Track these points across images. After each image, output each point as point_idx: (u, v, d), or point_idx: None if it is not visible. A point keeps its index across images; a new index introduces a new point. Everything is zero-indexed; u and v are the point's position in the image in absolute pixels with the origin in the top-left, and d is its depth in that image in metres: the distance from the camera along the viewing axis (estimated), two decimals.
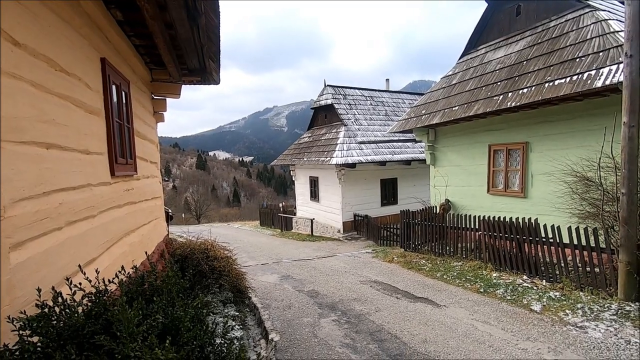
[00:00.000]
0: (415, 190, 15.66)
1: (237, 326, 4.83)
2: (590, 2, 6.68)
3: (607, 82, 5.21)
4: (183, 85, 6.27)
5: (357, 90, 17.26)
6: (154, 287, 1.77)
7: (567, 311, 4.48)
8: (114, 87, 3.49)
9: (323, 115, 16.95)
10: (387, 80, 20.33)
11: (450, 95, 8.74)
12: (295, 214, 18.90)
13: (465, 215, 7.52)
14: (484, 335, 4.19)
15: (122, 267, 2.18)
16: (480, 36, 9.16)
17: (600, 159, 4.98)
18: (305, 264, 9.48)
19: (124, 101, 3.83)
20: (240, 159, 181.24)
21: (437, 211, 9.41)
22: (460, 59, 9.56)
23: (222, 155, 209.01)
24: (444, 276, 6.84)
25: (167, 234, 6.95)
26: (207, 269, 5.47)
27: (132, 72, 4.42)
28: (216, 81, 6.49)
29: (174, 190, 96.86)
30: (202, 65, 5.28)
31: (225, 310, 5.22)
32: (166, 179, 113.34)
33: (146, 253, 2.80)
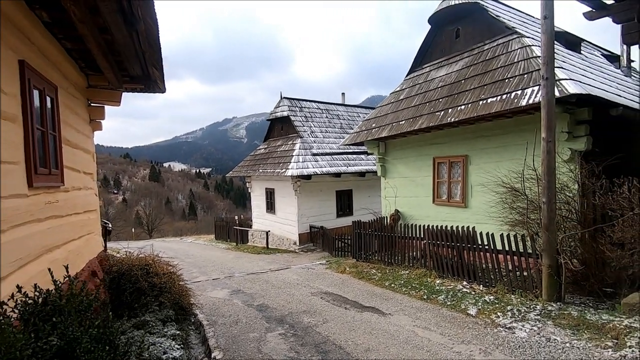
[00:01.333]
0: (370, 201, 16.04)
1: (176, 346, 4.58)
2: (517, 30, 7.37)
3: (530, 102, 5.74)
4: (128, 93, 5.99)
5: (313, 103, 17.52)
6: (56, 306, 1.63)
7: (499, 313, 4.78)
8: (36, 92, 3.25)
9: (279, 127, 16.97)
10: (343, 94, 20.88)
11: (398, 110, 9.15)
12: (251, 227, 18.55)
13: (412, 225, 7.82)
14: (423, 341, 4.33)
15: (35, 286, 2.00)
16: (425, 55, 9.73)
17: (523, 171, 5.44)
18: (257, 277, 9.29)
19: (49, 107, 3.58)
20: (197, 170, 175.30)
21: (388, 221, 9.69)
22: (407, 75, 10.08)
23: (177, 166, 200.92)
24: (392, 285, 7.02)
25: (104, 250, 6.50)
26: (146, 286, 5.17)
27: (62, 77, 4.15)
28: (162, 90, 6.26)
29: (123, 203, 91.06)
30: (146, 72, 5.08)
31: (165, 330, 4.94)
32: (115, 192, 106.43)
33: (67, 269, 2.53)
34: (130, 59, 4.33)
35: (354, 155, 15.68)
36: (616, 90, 6.75)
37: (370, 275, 8.00)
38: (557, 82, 5.56)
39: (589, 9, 4.81)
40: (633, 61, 9.65)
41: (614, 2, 4.53)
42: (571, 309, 4.60)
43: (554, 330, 4.18)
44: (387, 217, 9.90)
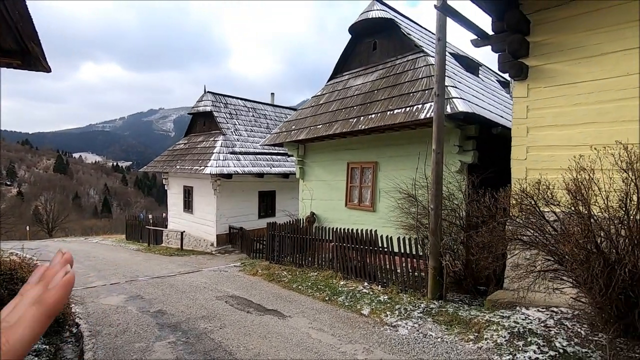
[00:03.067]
0: (293, 202, 16.05)
1: None
2: (424, 49, 7.98)
3: (427, 115, 6.24)
4: (4, 68, 5.20)
5: (239, 100, 17.04)
6: None
7: (388, 313, 5.07)
8: None
9: (202, 122, 16.17)
10: (272, 94, 20.70)
11: (317, 114, 9.30)
12: (166, 227, 17.34)
13: (322, 228, 7.98)
14: (314, 343, 4.40)
15: None
16: (345, 63, 10.06)
17: (415, 179, 5.89)
18: (163, 281, 8.68)
19: None
20: (115, 163, 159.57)
21: (304, 224, 9.77)
22: (328, 81, 10.31)
23: (91, 157, 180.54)
24: (299, 287, 7.07)
25: None
26: (5, 294, 4.44)
27: None
28: (46, 69, 5.57)
29: (19, 197, 78.79)
30: (24, 47, 4.45)
31: None
32: (8, 183, 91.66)
33: None
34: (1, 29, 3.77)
35: (279, 156, 15.60)
36: (500, 112, 7.68)
37: (280, 277, 7.97)
38: (450, 100, 6.13)
39: (475, 37, 5.39)
40: None
41: (493, 33, 5.12)
42: (449, 306, 5.06)
43: (431, 326, 4.56)
44: (303, 220, 9.98)
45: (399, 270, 6.18)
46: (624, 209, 2.96)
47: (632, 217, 2.89)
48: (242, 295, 6.94)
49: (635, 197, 2.99)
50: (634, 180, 3.01)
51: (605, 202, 3.11)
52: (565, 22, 4.48)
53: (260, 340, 4.62)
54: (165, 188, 17.43)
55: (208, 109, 15.31)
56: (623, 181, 3.05)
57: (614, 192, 3.13)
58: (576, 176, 3.15)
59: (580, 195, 3.02)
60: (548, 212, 3.52)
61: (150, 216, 18.60)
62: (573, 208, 3.07)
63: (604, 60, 4.20)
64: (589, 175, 3.20)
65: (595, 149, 3.60)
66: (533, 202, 3.32)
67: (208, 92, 16.07)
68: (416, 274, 5.86)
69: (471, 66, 9.73)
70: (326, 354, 4.07)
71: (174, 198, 16.75)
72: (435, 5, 4.48)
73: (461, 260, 5.75)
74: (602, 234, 2.95)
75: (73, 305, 6.64)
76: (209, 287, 7.75)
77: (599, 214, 3.17)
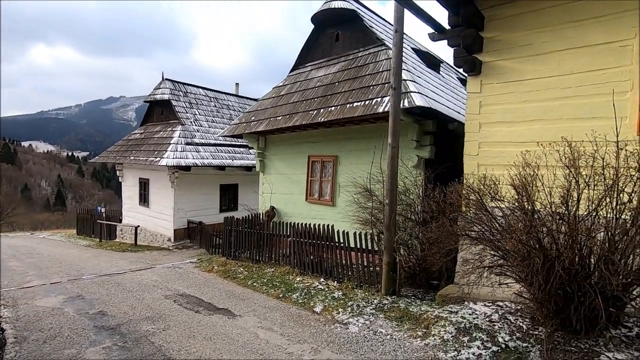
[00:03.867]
0: (256, 196, 15.62)
1: None
2: (385, 42, 7.90)
3: (386, 109, 6.15)
4: None
5: (200, 89, 16.33)
6: None
7: (340, 309, 4.96)
8: None
9: (159, 111, 15.35)
10: (237, 84, 20.05)
11: (277, 105, 9.02)
12: (121, 221, 16.39)
13: (280, 223, 7.77)
14: (261, 344, 4.20)
15: None
16: (308, 53, 9.81)
17: (370, 173, 5.81)
18: (110, 279, 8.11)
19: None
20: (70, 153, 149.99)
21: (263, 218, 9.50)
22: (291, 72, 10.03)
23: (43, 147, 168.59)
24: (254, 284, 6.83)
25: None
26: None
27: None
28: None
29: None
30: None
31: None
32: None
33: None
34: None
35: (242, 149, 15.13)
36: (458, 108, 7.77)
37: (236, 274, 7.68)
38: (408, 94, 6.08)
39: (433, 30, 5.33)
40: None
41: (449, 27, 5.08)
42: (402, 301, 5.04)
43: (382, 323, 4.49)
44: (262, 214, 9.70)
45: (355, 266, 6.10)
46: (565, 205, 2.98)
47: (571, 213, 2.92)
48: (194, 293, 6.60)
49: (575, 194, 3.02)
50: (575, 177, 3.04)
51: (548, 199, 3.13)
52: (515, 19, 4.51)
53: (204, 342, 4.36)
54: (120, 180, 16.45)
55: (166, 97, 14.52)
56: (565, 178, 3.07)
57: (556, 188, 3.15)
58: (520, 172, 3.14)
59: (523, 191, 3.01)
60: (496, 207, 3.52)
61: (103, 210, 17.49)
62: (517, 204, 3.07)
63: (549, 58, 4.27)
64: (533, 171, 3.20)
65: (541, 145, 3.63)
66: (478, 198, 3.30)
67: (166, 79, 15.25)
68: (372, 269, 5.80)
69: (432, 62, 9.81)
70: (272, 355, 3.89)
71: (129, 191, 15.85)
72: None
73: (415, 255, 5.76)
74: (543, 230, 2.96)
75: (2, 308, 6.05)
76: (159, 285, 7.33)
77: (542, 210, 3.19)
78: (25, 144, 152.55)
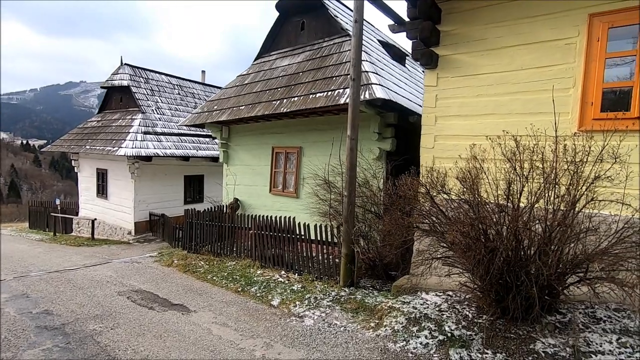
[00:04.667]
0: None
1: None
2: (350, 32, 7.81)
3: (347, 101, 6.10)
4: None
5: (163, 76, 15.62)
6: None
7: (297, 302, 4.93)
8: None
9: (118, 98, 14.55)
10: (204, 72, 19.37)
11: (240, 95, 8.76)
12: (77, 214, 15.54)
13: (242, 215, 7.61)
14: (213, 340, 4.10)
15: None
16: (273, 42, 9.57)
17: (331, 165, 5.78)
18: (60, 276, 7.66)
19: None
20: (25, 141, 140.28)
21: (227, 210, 9.29)
22: (255, 60, 9.76)
23: None
24: (214, 278, 6.67)
25: None
26: None
27: None
28: None
29: None
30: None
31: None
32: None
33: None
34: None
35: (207, 139, 14.68)
36: (420, 102, 7.85)
37: (197, 267, 7.47)
38: (369, 86, 6.06)
39: (393, 22, 5.30)
40: None
41: (408, 20, 5.07)
42: (359, 293, 5.07)
43: (338, 315, 4.51)
44: (226, 206, 9.48)
45: (315, 258, 6.08)
46: (507, 198, 3.06)
47: (511, 205, 3.00)
48: (149, 289, 6.36)
49: (516, 187, 3.11)
50: (516, 170, 3.12)
51: (492, 191, 3.20)
52: (471, 13, 4.56)
53: (153, 340, 4.19)
54: (76, 170, 15.54)
55: (125, 83, 13.77)
56: (507, 170, 3.15)
57: (501, 181, 3.23)
58: (465, 165, 3.20)
59: (466, 184, 3.06)
60: (445, 200, 3.57)
61: (58, 202, 16.49)
62: (461, 196, 3.12)
63: (502, 53, 4.36)
64: (479, 164, 3.26)
65: (489, 139, 3.70)
66: (426, 190, 3.33)
67: (126, 64, 14.45)
68: (331, 261, 5.80)
69: (398, 55, 9.86)
70: (223, 352, 3.80)
71: (86, 182, 15.02)
72: None
73: (375, 247, 5.82)
74: (485, 222, 3.03)
75: None
76: (113, 281, 7.01)
77: (487, 202, 3.26)
78: None
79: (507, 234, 3.00)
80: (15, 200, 73.42)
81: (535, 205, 2.98)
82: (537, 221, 2.93)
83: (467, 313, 3.71)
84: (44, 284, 7.05)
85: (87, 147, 13.23)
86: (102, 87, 14.74)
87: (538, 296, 2.69)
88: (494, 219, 2.96)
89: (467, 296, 3.89)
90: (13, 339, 4.52)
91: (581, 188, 2.92)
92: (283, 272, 6.41)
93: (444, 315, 3.76)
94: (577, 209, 2.95)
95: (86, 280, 7.14)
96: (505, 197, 3.14)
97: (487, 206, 3.24)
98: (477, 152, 3.35)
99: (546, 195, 3.03)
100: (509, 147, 3.22)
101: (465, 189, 3.13)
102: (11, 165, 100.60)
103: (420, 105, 7.41)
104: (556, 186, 2.92)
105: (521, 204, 3.09)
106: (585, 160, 2.97)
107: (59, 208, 16.09)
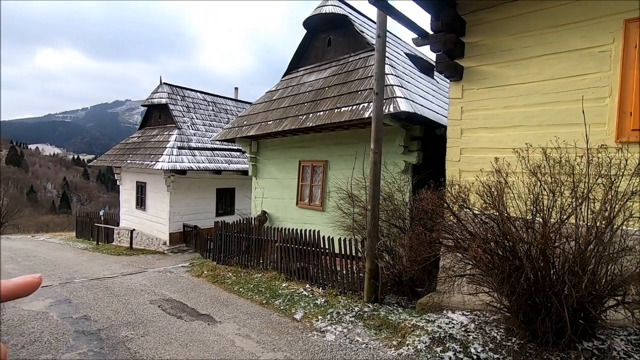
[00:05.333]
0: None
1: None
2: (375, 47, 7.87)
3: (371, 114, 6.11)
4: None
5: (198, 94, 16.39)
6: None
7: (320, 317, 4.90)
8: None
9: (157, 115, 15.42)
10: (236, 88, 20.13)
11: (269, 110, 9.01)
12: (118, 224, 16.45)
13: (269, 228, 7.73)
14: (236, 351, 4.15)
15: None
16: (301, 58, 9.82)
17: (356, 178, 5.76)
18: (99, 283, 8.12)
19: None
20: (76, 156, 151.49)
21: (255, 223, 9.47)
22: (283, 76, 10.04)
23: (50, 150, 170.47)
24: (240, 289, 6.78)
25: None
26: None
27: None
28: None
29: None
30: None
31: None
32: None
33: None
34: None
35: (238, 153, 15.14)
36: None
37: (225, 279, 7.65)
38: (394, 99, 6.05)
39: (416, 35, 5.30)
40: None
41: (432, 32, 5.04)
42: (383, 309, 4.97)
43: (361, 331, 4.43)
44: (254, 219, 9.67)
45: (340, 272, 6.04)
46: (532, 213, 2.92)
47: (537, 221, 2.85)
48: (179, 298, 6.57)
49: (545, 201, 2.96)
50: (545, 184, 2.97)
51: (518, 206, 3.07)
52: (497, 24, 4.46)
53: (179, 349, 4.32)
54: (118, 184, 16.53)
55: (163, 101, 14.60)
56: (533, 185, 3.01)
57: (529, 195, 3.09)
58: (490, 178, 3.09)
59: (490, 198, 2.95)
60: (469, 215, 3.46)
61: (102, 213, 17.57)
62: (485, 212, 3.01)
63: (531, 63, 4.21)
64: (503, 178, 3.14)
65: (516, 151, 3.56)
66: (448, 205, 3.24)
67: (164, 83, 15.34)
68: (355, 276, 5.74)
69: (426, 67, 9.77)
70: None
71: (126, 194, 15.92)
72: (369, 0, 4.32)
73: (401, 263, 5.69)
74: (511, 238, 2.90)
75: None
76: (147, 289, 7.32)
77: (514, 218, 3.12)
78: (32, 146, 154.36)
79: (534, 252, 2.85)
80: (65, 211, 79.06)
81: (566, 222, 2.81)
82: (568, 239, 2.76)
83: (495, 335, 3.52)
84: (85, 290, 7.49)
85: (128, 161, 14.07)
86: (142, 105, 15.71)
87: (570, 319, 2.51)
88: (520, 236, 2.82)
89: (495, 317, 3.70)
90: (54, 342, 4.82)
91: (618, 204, 2.73)
92: (307, 285, 6.40)
93: (470, 336, 3.59)
94: (614, 226, 2.75)
95: (122, 288, 7.50)
96: (532, 212, 2.99)
97: (513, 222, 3.10)
98: (501, 165, 3.23)
99: (578, 211, 2.86)
100: (537, 160, 3.08)
101: (488, 204, 3.02)
102: (63, 179, 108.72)
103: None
104: (589, 202, 2.75)
105: (550, 220, 2.93)
106: (621, 174, 2.79)
107: (102, 219, 17.12)
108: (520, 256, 2.74)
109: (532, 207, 2.92)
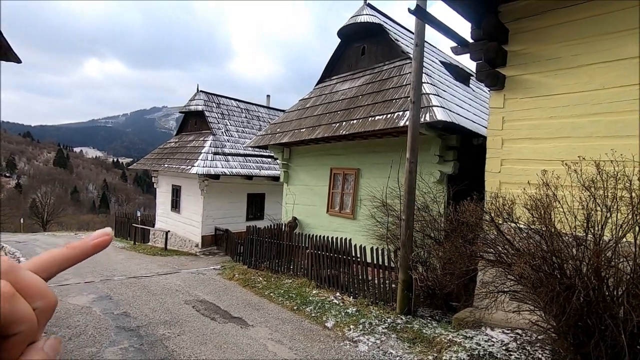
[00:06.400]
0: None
1: None
2: (410, 55, 7.81)
3: (406, 123, 6.06)
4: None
5: (232, 101, 16.90)
6: None
7: (352, 326, 4.86)
8: None
9: (193, 122, 16.03)
10: (268, 96, 20.58)
11: (302, 117, 9.14)
12: (154, 225, 17.14)
13: (299, 234, 7.79)
14: (268, 356, 4.20)
15: None
16: (334, 67, 9.92)
17: (389, 187, 5.70)
18: (137, 282, 8.48)
19: None
20: (116, 159, 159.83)
21: (285, 229, 9.57)
22: (317, 85, 10.16)
23: (92, 152, 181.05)
24: (271, 294, 6.86)
25: None
26: None
27: None
28: (16, 59, 5.76)
29: (17, 189, 78.62)
30: None
31: None
32: (7, 175, 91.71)
33: None
34: None
35: (269, 159, 15.41)
36: (485, 123, 7.50)
37: (255, 283, 7.76)
38: (430, 108, 5.97)
39: (456, 44, 5.23)
40: None
41: (472, 41, 4.96)
42: (417, 322, 4.85)
43: (394, 343, 4.35)
44: (284, 224, 9.78)
45: (371, 282, 5.97)
46: (584, 229, 2.77)
47: (592, 238, 2.70)
48: (212, 300, 6.74)
49: (598, 218, 2.81)
50: (598, 199, 2.82)
51: (567, 222, 2.92)
52: (542, 32, 4.31)
53: (214, 350, 4.42)
54: (155, 186, 17.26)
55: (200, 108, 15.17)
56: (586, 199, 2.86)
57: (580, 210, 2.94)
58: (536, 192, 2.97)
59: (538, 212, 2.83)
60: (513, 229, 3.33)
61: (139, 214, 18.40)
62: (531, 226, 2.89)
63: (580, 72, 4.03)
64: (552, 191, 3.01)
65: (565, 164, 3.41)
66: (490, 218, 3.14)
67: (201, 91, 15.95)
68: (387, 286, 5.66)
69: (462, 75, 9.58)
70: None
71: (162, 197, 16.58)
72: (409, 9, 4.32)
73: (435, 275, 5.55)
74: (560, 255, 2.76)
75: None
76: (181, 290, 7.56)
77: (562, 234, 2.98)
78: (77, 149, 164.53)
79: (586, 271, 2.70)
80: (104, 211, 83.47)
81: (622, 240, 2.65)
82: (625, 258, 2.59)
83: (540, 356, 3.35)
84: (124, 288, 7.84)
85: (165, 165, 14.69)
86: (180, 112, 16.39)
87: (628, 344, 2.35)
88: (571, 253, 2.69)
89: (539, 337, 3.52)
90: (98, 335, 5.08)
91: None
92: (338, 293, 6.38)
93: (512, 356, 3.43)
94: None
95: (158, 287, 7.79)
96: (583, 228, 2.84)
97: (562, 238, 2.96)
98: (549, 178, 3.10)
99: (637, 229, 2.68)
100: (589, 174, 2.93)
101: (536, 218, 2.90)
102: (104, 180, 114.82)
103: (486, 127, 7.08)
104: None
105: (604, 238, 2.77)
106: None
107: (139, 219, 17.92)
108: (572, 275, 2.60)
109: (584, 223, 2.77)
